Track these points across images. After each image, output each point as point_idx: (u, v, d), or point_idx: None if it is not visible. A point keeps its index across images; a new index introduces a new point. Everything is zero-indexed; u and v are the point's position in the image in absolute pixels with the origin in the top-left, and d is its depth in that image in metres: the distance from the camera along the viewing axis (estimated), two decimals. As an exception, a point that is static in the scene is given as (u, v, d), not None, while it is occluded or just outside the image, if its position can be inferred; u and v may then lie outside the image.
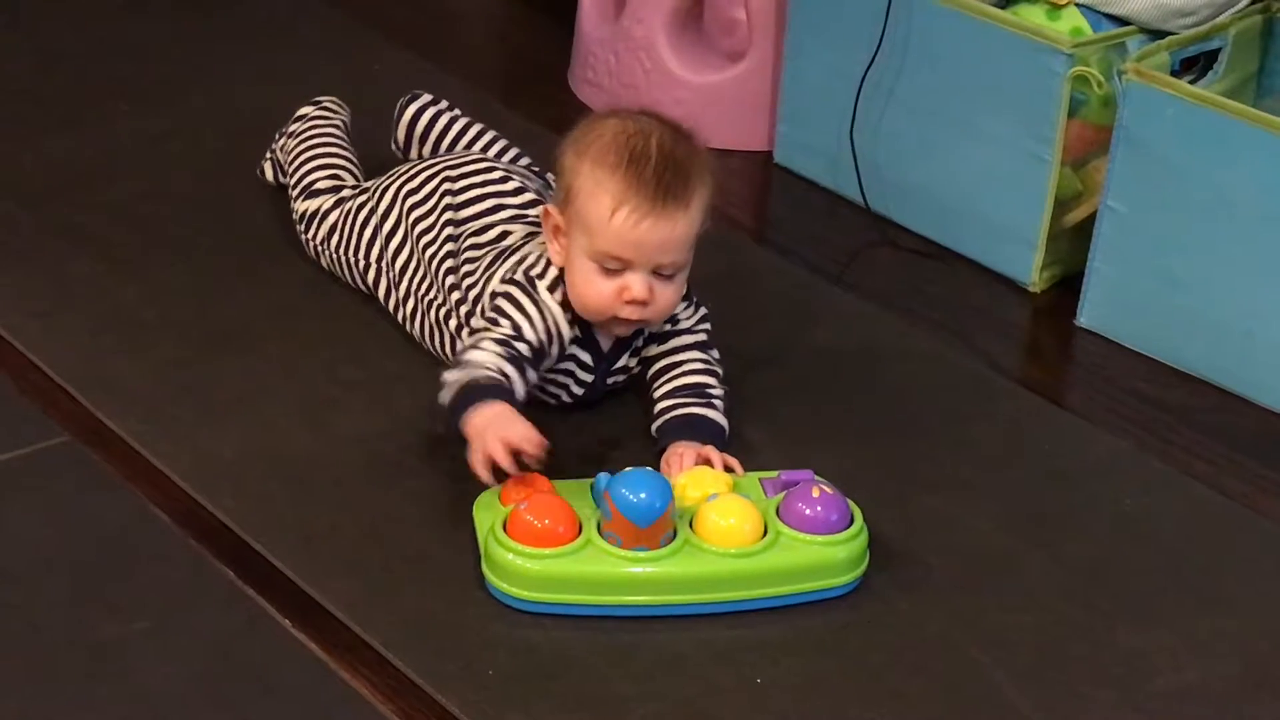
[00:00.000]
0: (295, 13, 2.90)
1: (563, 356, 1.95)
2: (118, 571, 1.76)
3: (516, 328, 1.90)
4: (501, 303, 1.93)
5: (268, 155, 2.36)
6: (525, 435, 1.79)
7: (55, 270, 2.20)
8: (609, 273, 1.88)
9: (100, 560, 1.77)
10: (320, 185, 2.22)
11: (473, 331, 1.97)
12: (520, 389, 1.88)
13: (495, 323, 1.91)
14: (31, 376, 2.03)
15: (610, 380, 2.01)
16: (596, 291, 1.89)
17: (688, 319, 2.01)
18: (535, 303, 1.92)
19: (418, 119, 2.29)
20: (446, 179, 2.11)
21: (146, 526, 1.82)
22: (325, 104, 2.35)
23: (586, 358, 1.97)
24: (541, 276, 1.93)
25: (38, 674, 1.64)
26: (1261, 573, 1.90)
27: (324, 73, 2.67)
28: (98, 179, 2.39)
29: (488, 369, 1.86)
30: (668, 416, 1.96)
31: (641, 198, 1.84)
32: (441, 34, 2.94)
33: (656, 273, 1.88)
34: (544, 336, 1.92)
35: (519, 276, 1.94)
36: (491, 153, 2.22)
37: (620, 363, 2.00)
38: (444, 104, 2.30)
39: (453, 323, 2.02)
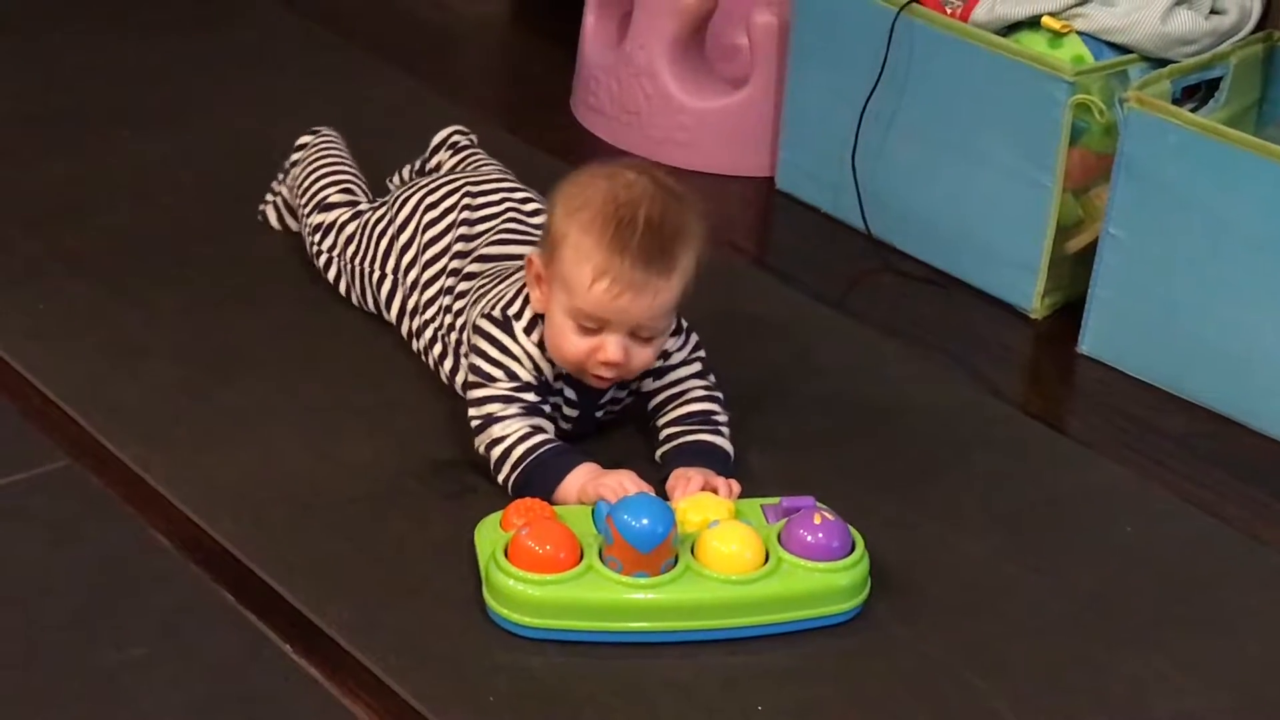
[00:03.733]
0: (295, 38, 2.90)
1: (550, 391, 1.96)
2: (117, 596, 1.76)
3: (513, 375, 1.92)
4: (485, 346, 1.93)
5: (268, 198, 2.36)
6: (624, 480, 1.84)
7: (56, 294, 2.20)
8: (586, 331, 1.88)
9: (100, 584, 1.77)
10: (334, 199, 2.23)
11: (457, 365, 1.98)
12: (551, 432, 1.92)
13: (490, 378, 1.92)
14: (33, 400, 2.02)
15: (600, 413, 2.01)
16: (572, 346, 1.89)
17: (682, 350, 2.00)
18: (516, 342, 1.92)
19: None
20: (467, 194, 2.12)
21: (146, 551, 1.82)
22: (324, 132, 2.36)
23: (571, 394, 1.97)
24: (519, 317, 1.93)
25: (36, 699, 1.63)
26: (1261, 600, 1.90)
27: (324, 97, 2.67)
28: (99, 203, 2.40)
29: (531, 431, 1.89)
30: (675, 443, 1.96)
31: (623, 269, 1.83)
32: (443, 59, 2.95)
33: (634, 334, 1.88)
34: (535, 374, 1.93)
35: (497, 313, 1.94)
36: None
37: (608, 396, 2.00)
38: (473, 136, 2.33)
39: (437, 348, 2.03)
